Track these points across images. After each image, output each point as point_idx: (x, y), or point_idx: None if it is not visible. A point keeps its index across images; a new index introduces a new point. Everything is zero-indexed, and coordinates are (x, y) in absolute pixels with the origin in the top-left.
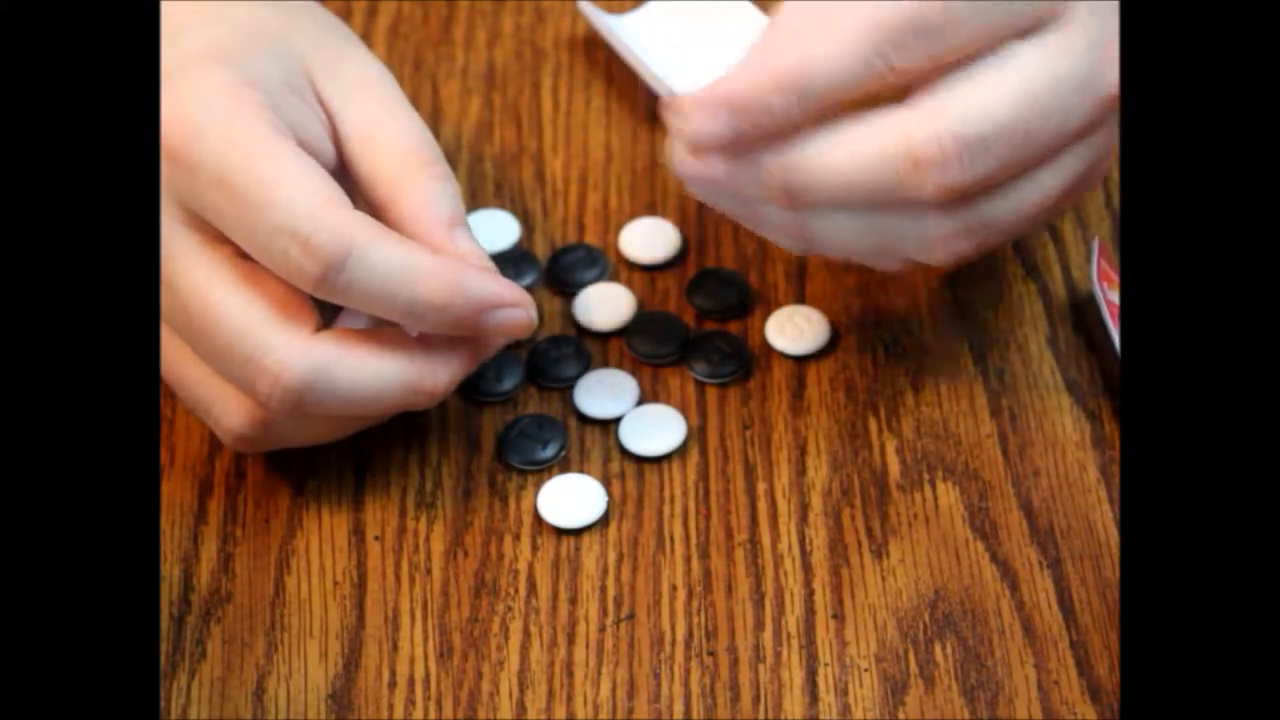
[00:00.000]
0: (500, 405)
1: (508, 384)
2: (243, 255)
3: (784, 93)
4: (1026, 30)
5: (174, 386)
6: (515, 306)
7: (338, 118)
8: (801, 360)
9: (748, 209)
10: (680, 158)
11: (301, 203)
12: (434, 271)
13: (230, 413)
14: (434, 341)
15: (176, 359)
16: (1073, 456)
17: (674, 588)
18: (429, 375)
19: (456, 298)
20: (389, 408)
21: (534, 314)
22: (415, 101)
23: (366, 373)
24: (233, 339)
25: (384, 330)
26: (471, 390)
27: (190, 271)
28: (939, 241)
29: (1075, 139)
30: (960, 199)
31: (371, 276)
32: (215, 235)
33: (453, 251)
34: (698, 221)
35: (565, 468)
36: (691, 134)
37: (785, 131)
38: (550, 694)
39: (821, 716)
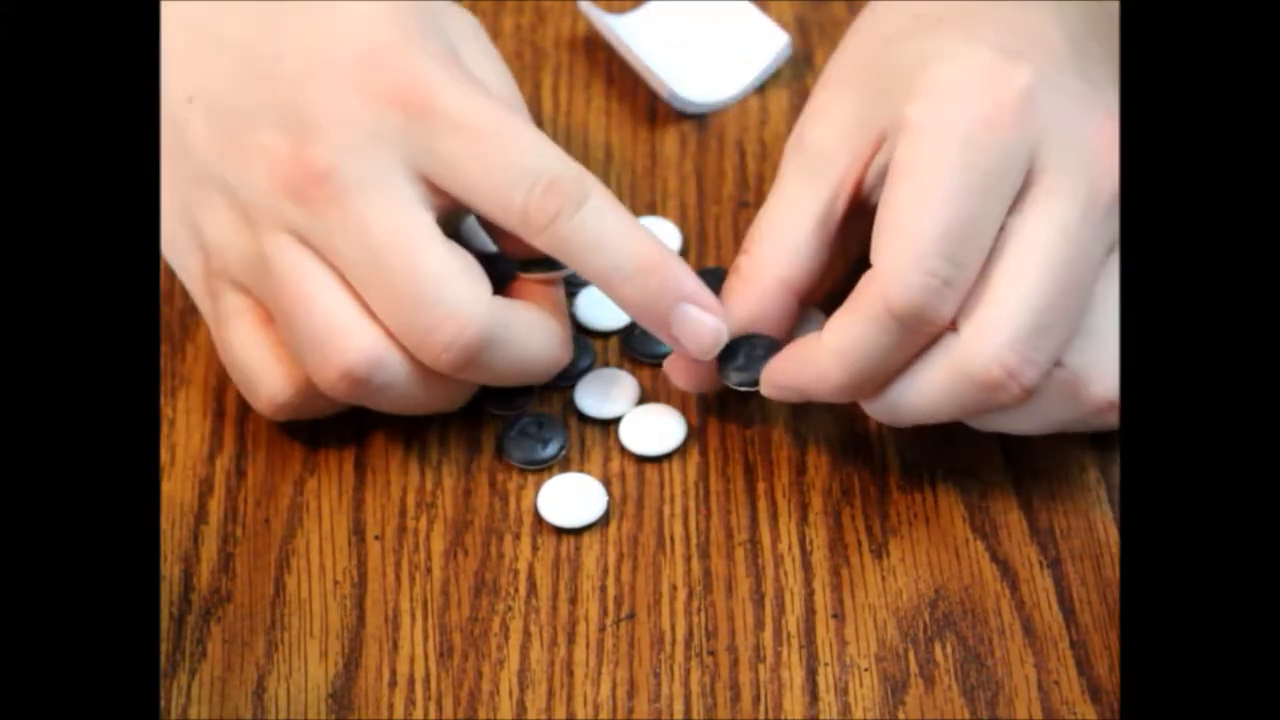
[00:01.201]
0: None
1: (522, 396)
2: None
3: (842, 385)
4: (1015, 204)
5: (291, 315)
6: (712, 314)
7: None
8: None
9: None
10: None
11: (545, 147)
12: (653, 241)
13: (358, 344)
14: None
15: (313, 287)
16: (1073, 456)
17: (674, 587)
18: (569, 351)
19: (664, 269)
20: (533, 377)
21: (724, 338)
22: None
23: (534, 338)
24: (428, 285)
25: (542, 302)
26: (484, 401)
27: (396, 214)
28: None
29: (1110, 252)
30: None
31: (599, 225)
32: (434, 187)
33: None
34: (698, 221)
35: (565, 467)
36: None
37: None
38: (550, 693)
39: (821, 716)
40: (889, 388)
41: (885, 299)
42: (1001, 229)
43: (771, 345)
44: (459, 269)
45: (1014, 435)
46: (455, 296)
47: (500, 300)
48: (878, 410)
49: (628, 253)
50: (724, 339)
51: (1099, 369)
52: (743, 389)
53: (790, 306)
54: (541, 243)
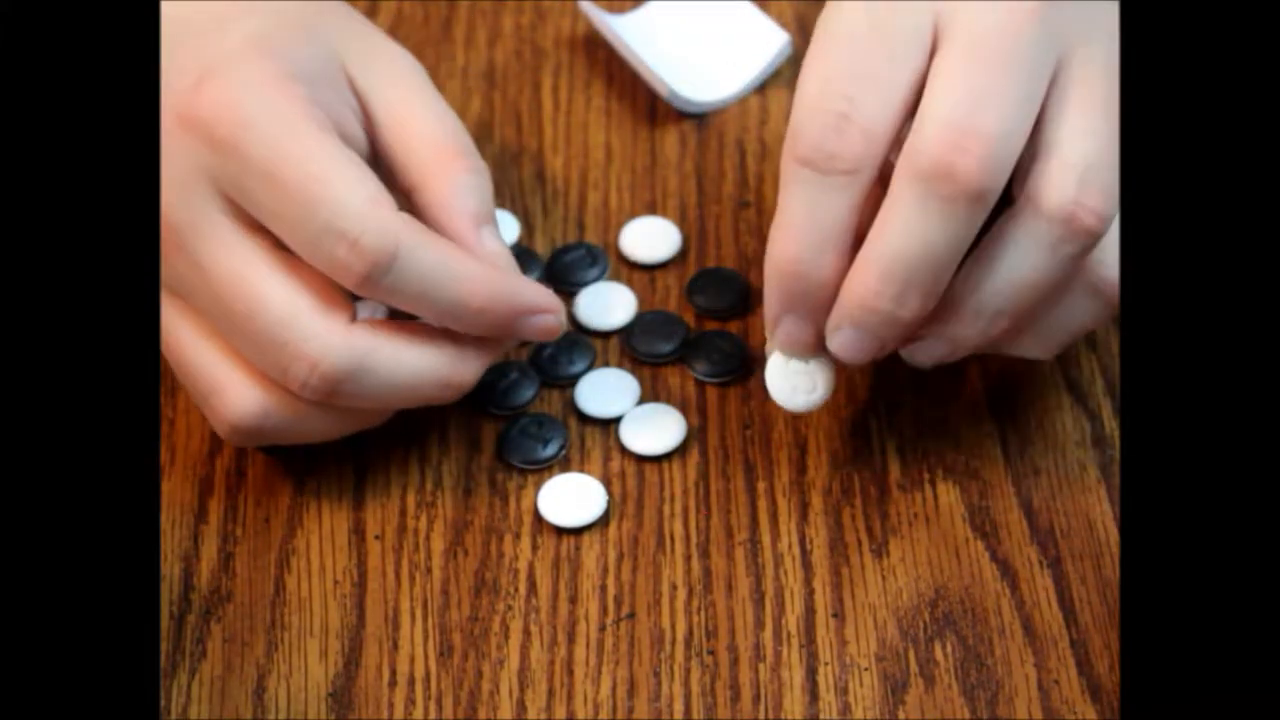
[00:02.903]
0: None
1: (523, 396)
2: (282, 244)
3: (783, 257)
4: (1051, 87)
5: (178, 370)
6: (549, 313)
7: (371, 106)
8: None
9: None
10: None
11: (350, 202)
12: (475, 276)
13: (235, 400)
14: (463, 335)
15: (186, 342)
16: (1073, 456)
17: (674, 587)
18: (459, 368)
19: (496, 303)
20: (418, 400)
21: (564, 320)
22: None
23: (402, 364)
24: (272, 325)
25: (417, 323)
26: (485, 402)
27: (230, 258)
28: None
29: None
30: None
31: (415, 278)
32: (255, 224)
33: (477, 249)
34: (698, 221)
35: (565, 467)
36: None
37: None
38: (550, 693)
39: (821, 716)
40: (965, 278)
41: (791, 153)
42: (1043, 111)
43: (737, 344)
44: (306, 305)
45: (1014, 433)
46: (302, 334)
47: (363, 328)
48: (953, 325)
49: (455, 296)
50: (564, 324)
51: (1111, 253)
52: (710, 382)
53: None
54: (364, 294)
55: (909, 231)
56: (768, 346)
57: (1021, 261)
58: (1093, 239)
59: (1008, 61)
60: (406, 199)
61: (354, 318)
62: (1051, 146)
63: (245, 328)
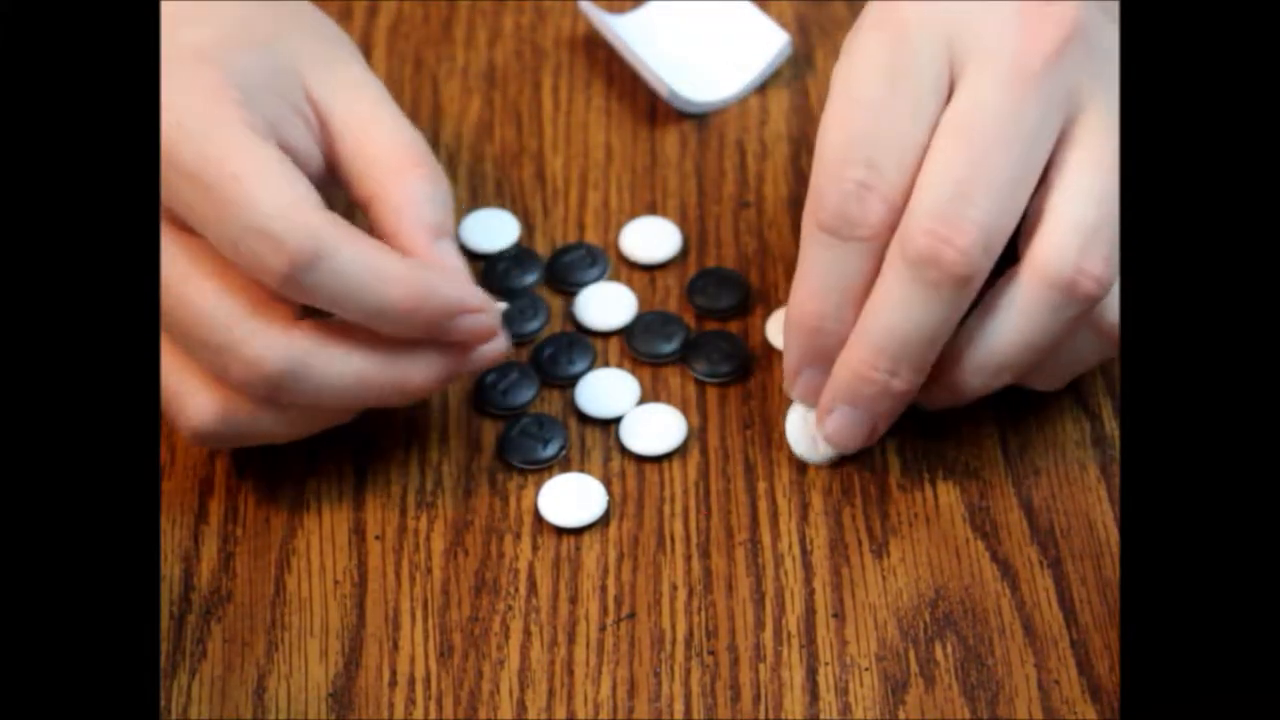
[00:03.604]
0: None
1: (523, 396)
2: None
3: (798, 318)
4: (1059, 143)
5: None
6: (481, 312)
7: (329, 116)
8: None
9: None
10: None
11: (271, 202)
12: (401, 276)
13: (196, 405)
14: (413, 341)
15: None
16: (1073, 456)
17: (674, 587)
18: (404, 374)
19: (423, 303)
20: (362, 404)
21: (499, 320)
22: (415, 101)
23: (343, 366)
24: (212, 328)
25: (355, 330)
26: (484, 403)
27: (167, 263)
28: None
29: None
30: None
31: (339, 279)
32: (188, 227)
33: (432, 259)
34: (698, 221)
35: (566, 467)
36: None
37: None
38: (551, 693)
39: (821, 716)
40: (969, 336)
41: (814, 217)
42: (1048, 168)
43: (737, 344)
44: (242, 307)
45: (1014, 433)
46: (239, 336)
47: (305, 328)
48: (957, 378)
49: (382, 299)
50: (497, 325)
51: (1112, 298)
52: (710, 382)
53: None
54: (289, 295)
55: (899, 310)
56: (787, 389)
57: (1023, 324)
58: (1093, 303)
59: (1003, 139)
60: (365, 211)
61: (298, 317)
62: (1055, 209)
63: (187, 333)
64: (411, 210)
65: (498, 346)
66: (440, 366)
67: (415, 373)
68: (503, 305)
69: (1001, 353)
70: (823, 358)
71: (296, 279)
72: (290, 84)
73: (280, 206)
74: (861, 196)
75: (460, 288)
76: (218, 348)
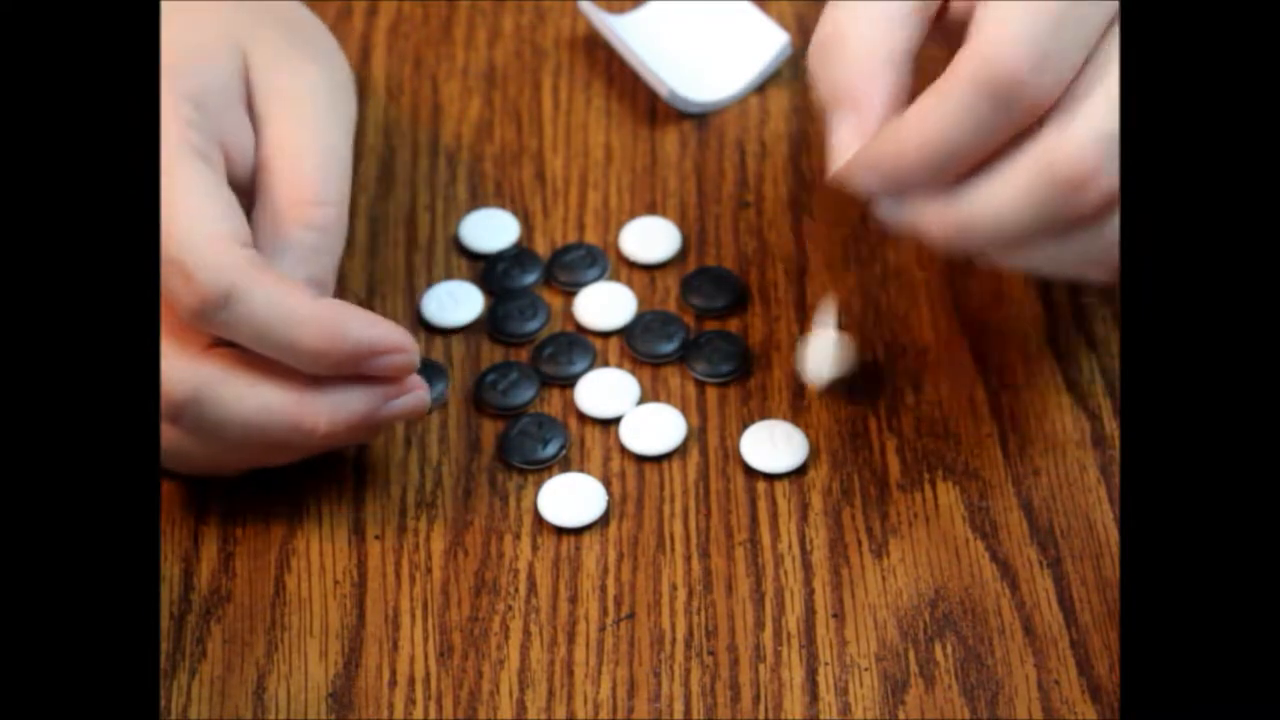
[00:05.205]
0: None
1: (523, 396)
2: None
3: (920, 166)
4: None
5: None
6: (397, 352)
7: (262, 125)
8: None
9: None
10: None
11: (191, 237)
12: (313, 318)
13: None
14: (328, 380)
15: None
16: (1073, 456)
17: (674, 587)
18: (312, 413)
19: (335, 345)
20: (269, 439)
21: (416, 358)
22: (415, 101)
23: (249, 398)
24: None
25: (266, 362)
26: (484, 403)
27: None
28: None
29: None
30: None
31: (249, 320)
32: None
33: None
34: (698, 221)
35: (565, 467)
36: (853, 184)
37: (939, 183)
38: (550, 693)
39: (821, 716)
40: (964, 192)
41: (987, 65)
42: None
43: (737, 344)
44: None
45: (1014, 433)
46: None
47: (214, 356)
48: (950, 223)
49: (290, 338)
50: (415, 362)
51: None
52: (710, 382)
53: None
54: (200, 328)
55: (964, 141)
56: (842, 174)
57: (1021, 205)
58: (1089, 203)
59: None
60: (254, 227)
61: (211, 344)
62: (1082, 107)
63: None
64: (293, 255)
65: (416, 398)
66: (351, 409)
67: (324, 411)
68: (417, 352)
69: (985, 225)
70: (898, 189)
71: (207, 315)
72: (236, 97)
73: (198, 243)
74: (1043, 70)
75: (372, 329)
76: None
